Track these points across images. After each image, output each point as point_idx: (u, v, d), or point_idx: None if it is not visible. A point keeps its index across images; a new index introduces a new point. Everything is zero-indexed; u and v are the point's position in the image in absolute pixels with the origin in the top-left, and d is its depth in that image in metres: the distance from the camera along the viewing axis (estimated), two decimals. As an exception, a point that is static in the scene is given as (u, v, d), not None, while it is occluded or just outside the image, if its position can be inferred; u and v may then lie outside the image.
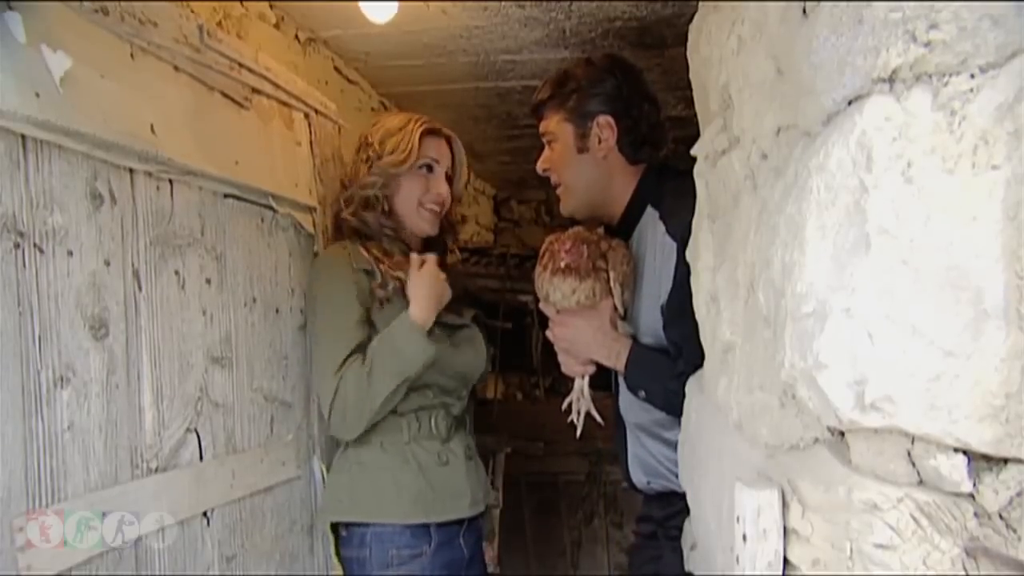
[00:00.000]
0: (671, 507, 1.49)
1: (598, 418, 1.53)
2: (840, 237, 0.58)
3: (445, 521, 1.60)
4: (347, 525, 1.61)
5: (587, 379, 1.51)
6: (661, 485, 1.52)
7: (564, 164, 1.53)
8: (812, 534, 0.64)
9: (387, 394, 1.50)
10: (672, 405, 1.35)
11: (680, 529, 1.44)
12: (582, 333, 1.46)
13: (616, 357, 1.45)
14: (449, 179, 1.72)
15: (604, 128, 1.48)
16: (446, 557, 1.60)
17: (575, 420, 1.52)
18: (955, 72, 0.54)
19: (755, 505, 0.68)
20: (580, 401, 1.51)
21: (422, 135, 1.66)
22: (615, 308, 1.44)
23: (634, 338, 1.47)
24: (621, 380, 1.52)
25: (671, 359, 1.41)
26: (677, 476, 1.41)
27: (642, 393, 1.44)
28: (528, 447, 3.18)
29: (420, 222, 1.68)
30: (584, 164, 1.50)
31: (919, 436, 0.56)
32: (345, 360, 1.50)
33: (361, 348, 1.53)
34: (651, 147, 1.52)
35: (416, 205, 1.67)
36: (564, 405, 1.54)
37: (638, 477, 1.56)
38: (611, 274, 1.40)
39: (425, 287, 1.55)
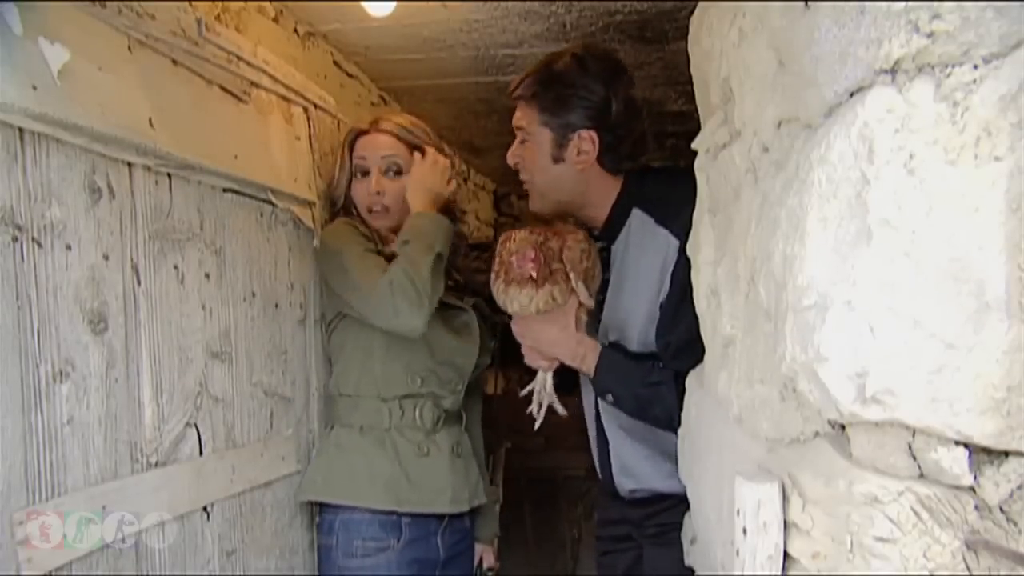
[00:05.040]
0: (649, 507, 1.49)
1: (560, 410, 1.48)
2: (841, 229, 0.58)
3: (419, 515, 1.58)
4: (321, 511, 1.61)
5: (551, 373, 1.47)
6: (645, 492, 1.50)
7: (535, 168, 1.45)
8: (812, 527, 0.64)
9: (430, 269, 1.46)
10: (642, 411, 1.32)
11: (659, 528, 1.44)
12: (546, 333, 1.41)
13: (581, 360, 1.41)
14: (395, 170, 1.67)
15: (585, 142, 1.40)
16: (416, 554, 1.58)
17: (535, 412, 1.47)
18: (958, 63, 0.53)
19: (755, 499, 0.68)
20: (542, 394, 1.47)
21: (352, 143, 1.68)
22: (581, 305, 1.38)
23: (621, 351, 1.44)
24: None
25: (644, 366, 1.38)
26: (665, 477, 1.40)
27: (610, 397, 1.42)
28: (528, 442, 3.18)
29: (374, 222, 1.68)
30: (557, 173, 1.43)
31: (920, 429, 0.56)
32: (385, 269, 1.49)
33: None
34: (631, 160, 1.46)
35: (365, 210, 1.67)
36: (523, 392, 1.48)
37: (623, 486, 1.53)
38: (571, 274, 1.33)
39: (422, 178, 1.59)
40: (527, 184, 1.50)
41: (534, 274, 1.30)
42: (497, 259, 1.39)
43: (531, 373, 1.51)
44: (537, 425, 1.47)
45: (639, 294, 1.42)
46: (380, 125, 1.70)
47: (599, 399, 1.46)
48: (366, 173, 1.67)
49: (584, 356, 1.41)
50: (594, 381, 1.43)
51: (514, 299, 1.36)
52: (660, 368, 1.37)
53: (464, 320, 1.69)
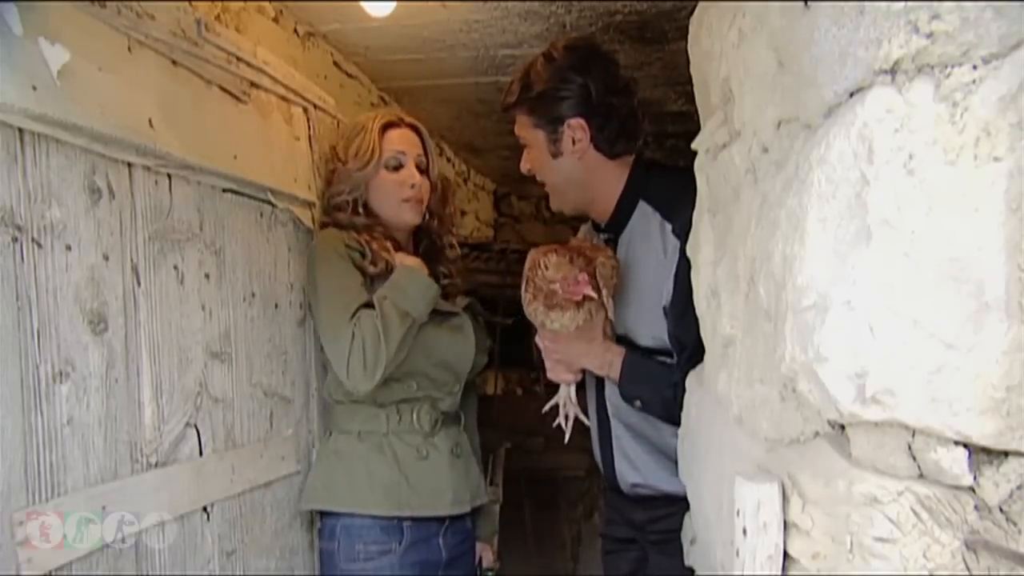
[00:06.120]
0: (654, 511, 1.49)
1: (586, 421, 1.55)
2: (841, 229, 0.58)
3: (421, 518, 1.58)
4: (322, 516, 1.61)
5: (574, 386, 1.52)
6: (649, 490, 1.50)
7: (541, 168, 1.51)
8: (812, 527, 0.64)
9: (400, 337, 1.47)
10: (670, 414, 1.34)
11: (662, 534, 1.44)
12: (575, 346, 1.46)
13: (609, 366, 1.45)
14: (422, 168, 1.69)
15: (576, 130, 1.44)
16: (418, 556, 1.58)
17: (563, 425, 1.52)
18: (957, 63, 0.53)
19: (755, 499, 0.68)
20: (568, 406, 1.53)
21: (382, 131, 1.65)
22: (606, 317, 1.43)
23: (630, 345, 1.46)
24: (610, 386, 1.51)
25: (667, 367, 1.40)
26: (670, 475, 1.41)
27: (638, 403, 1.44)
28: (528, 443, 3.18)
29: (403, 215, 1.66)
30: (561, 167, 1.48)
31: (920, 429, 0.56)
32: (356, 310, 1.49)
33: (367, 306, 1.51)
34: (627, 139, 1.48)
35: (397, 201, 1.65)
36: (547, 408, 1.54)
37: (625, 479, 1.54)
38: (603, 292, 1.38)
39: (410, 259, 1.63)
40: (545, 187, 1.55)
41: (593, 295, 1.35)
42: (531, 284, 1.40)
43: (539, 376, 1.53)
44: (567, 438, 1.53)
45: (645, 289, 1.44)
46: (407, 121, 1.71)
47: (626, 403, 1.48)
48: (398, 166, 1.66)
49: (611, 362, 1.45)
50: (620, 387, 1.46)
51: (556, 320, 1.40)
52: (677, 369, 1.38)
53: (457, 322, 1.69)
